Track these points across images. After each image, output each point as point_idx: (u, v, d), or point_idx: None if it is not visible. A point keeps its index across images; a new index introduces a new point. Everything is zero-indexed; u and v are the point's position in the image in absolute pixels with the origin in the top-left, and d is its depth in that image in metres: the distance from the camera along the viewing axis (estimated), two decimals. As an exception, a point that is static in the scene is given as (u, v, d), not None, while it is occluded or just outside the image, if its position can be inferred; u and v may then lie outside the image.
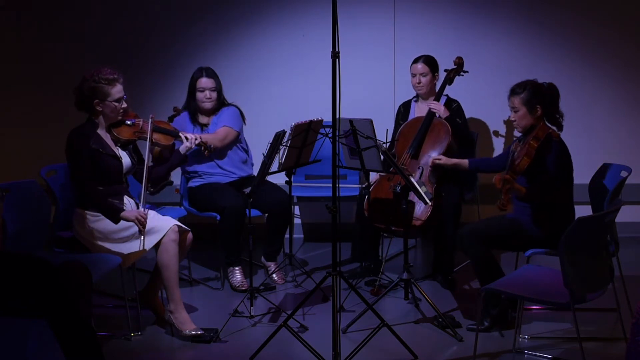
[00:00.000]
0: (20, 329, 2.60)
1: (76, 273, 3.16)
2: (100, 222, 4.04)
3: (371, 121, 4.16)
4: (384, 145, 4.23)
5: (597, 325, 4.12)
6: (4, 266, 2.71)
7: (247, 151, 5.07)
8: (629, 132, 5.91)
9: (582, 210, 3.90)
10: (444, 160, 4.52)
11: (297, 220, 6.03)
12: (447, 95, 5.00)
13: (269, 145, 4.25)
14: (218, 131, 4.86)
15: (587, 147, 5.57)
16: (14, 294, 2.67)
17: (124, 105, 4.15)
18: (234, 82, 5.48)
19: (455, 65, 5.00)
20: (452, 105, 4.94)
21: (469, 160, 4.52)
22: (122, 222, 4.01)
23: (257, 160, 4.60)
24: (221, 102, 4.97)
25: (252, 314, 4.30)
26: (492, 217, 4.25)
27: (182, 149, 4.49)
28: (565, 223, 3.39)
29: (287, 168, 4.58)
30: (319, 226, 6.01)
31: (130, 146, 4.28)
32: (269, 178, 4.70)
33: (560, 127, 4.08)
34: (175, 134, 4.46)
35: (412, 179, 4.14)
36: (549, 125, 4.07)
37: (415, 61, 5.00)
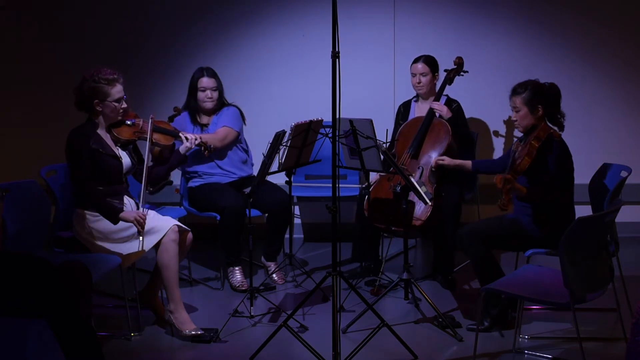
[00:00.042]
0: (20, 329, 2.60)
1: (76, 273, 3.16)
2: (100, 222, 4.04)
3: (371, 121, 4.16)
4: (384, 145, 4.23)
5: (597, 325, 4.12)
6: (4, 266, 2.71)
7: (247, 151, 5.07)
8: (629, 132, 5.91)
9: (582, 210, 3.90)
10: (447, 160, 4.51)
11: (297, 220, 6.03)
12: (447, 95, 5.00)
13: (269, 145, 4.25)
14: (218, 131, 4.86)
15: (587, 147, 5.57)
16: (14, 294, 2.67)
17: (124, 105, 4.15)
18: (234, 82, 5.48)
19: (455, 65, 5.00)
20: (452, 106, 4.94)
21: (472, 161, 4.51)
22: (122, 222, 4.01)
23: (257, 160, 4.60)
24: (222, 102, 4.97)
25: (252, 314, 4.30)
26: (492, 217, 4.25)
27: (182, 149, 4.49)
28: (566, 223, 3.39)
29: (287, 168, 4.58)
30: (319, 226, 6.01)
31: (130, 146, 4.28)
32: (269, 178, 4.70)
33: (561, 128, 4.08)
34: (175, 134, 4.46)
35: (412, 179, 4.14)
36: (550, 125, 4.07)
37: (416, 61, 5.01)
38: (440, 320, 4.12)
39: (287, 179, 4.73)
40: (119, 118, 4.18)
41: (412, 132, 4.78)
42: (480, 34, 5.84)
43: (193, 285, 4.90)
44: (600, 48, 5.84)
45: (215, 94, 4.90)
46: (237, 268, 4.80)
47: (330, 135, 3.78)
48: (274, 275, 4.89)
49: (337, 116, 3.57)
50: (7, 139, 5.96)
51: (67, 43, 5.91)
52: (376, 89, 5.87)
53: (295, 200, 5.87)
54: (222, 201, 4.69)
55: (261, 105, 5.83)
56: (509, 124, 5.79)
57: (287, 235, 5.07)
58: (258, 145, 4.84)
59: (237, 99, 5.09)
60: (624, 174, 4.08)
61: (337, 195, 3.64)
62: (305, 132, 4.48)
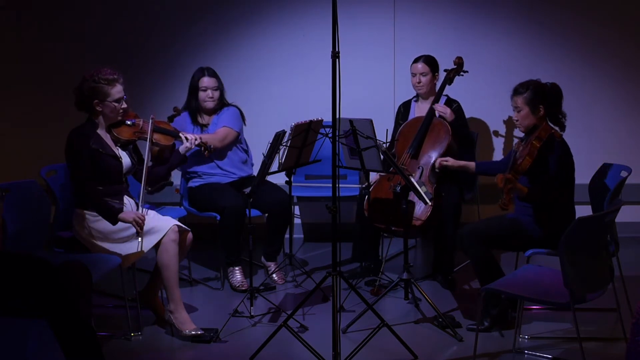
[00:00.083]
0: (20, 329, 2.60)
1: (76, 273, 3.16)
2: (100, 222, 4.04)
3: (371, 121, 4.16)
4: (384, 145, 4.23)
5: (597, 325, 4.12)
6: (4, 266, 2.71)
7: (247, 151, 5.07)
8: (629, 132, 5.91)
9: (582, 210, 3.90)
10: (451, 161, 4.49)
11: (297, 220, 6.03)
12: (447, 95, 5.00)
13: (269, 145, 4.25)
14: (218, 131, 4.86)
15: (587, 147, 5.57)
16: (14, 294, 2.67)
17: (124, 105, 4.15)
18: (234, 82, 5.48)
19: (455, 65, 4.99)
20: (452, 106, 4.94)
21: (475, 163, 4.50)
22: (121, 222, 4.01)
23: (257, 160, 4.60)
24: (222, 102, 4.97)
25: (252, 314, 4.30)
26: (492, 217, 4.25)
27: (182, 149, 4.49)
28: (566, 223, 3.39)
29: (287, 168, 4.58)
30: (319, 226, 6.01)
31: (130, 146, 4.28)
32: (269, 178, 4.70)
33: (562, 128, 4.08)
34: (175, 134, 4.46)
35: (412, 179, 4.14)
36: (552, 125, 4.07)
37: (416, 61, 5.01)
38: (440, 320, 4.12)
39: (287, 179, 4.73)
40: (119, 118, 4.18)
41: (412, 132, 4.78)
42: (480, 34, 5.84)
43: (193, 285, 4.90)
44: (600, 48, 5.84)
45: (217, 94, 4.90)
46: (237, 268, 4.80)
47: (330, 135, 3.78)
48: (274, 275, 4.89)
49: (337, 116, 3.57)
50: (7, 139, 5.96)
51: (67, 43, 5.91)
52: (376, 89, 5.87)
53: (295, 200, 5.87)
54: (222, 201, 4.69)
55: (261, 105, 5.83)
56: (509, 124, 5.79)
57: (287, 235, 5.07)
58: (258, 145, 4.84)
59: (237, 99, 5.09)
60: (624, 174, 4.08)
61: (337, 195, 3.64)
62: (305, 132, 4.48)
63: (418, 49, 5.23)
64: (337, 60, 3.50)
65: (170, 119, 4.72)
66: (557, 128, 4.06)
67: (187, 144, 4.48)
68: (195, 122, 4.92)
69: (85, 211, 4.04)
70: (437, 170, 4.54)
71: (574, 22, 5.82)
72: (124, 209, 4.08)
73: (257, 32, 5.90)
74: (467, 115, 5.04)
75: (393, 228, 4.55)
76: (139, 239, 3.98)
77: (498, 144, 5.89)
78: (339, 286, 3.64)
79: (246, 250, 4.40)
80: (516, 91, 4.07)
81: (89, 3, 5.92)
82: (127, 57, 5.85)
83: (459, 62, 5.00)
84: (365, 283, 4.82)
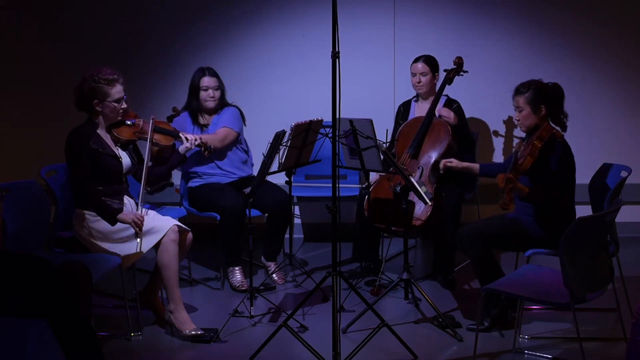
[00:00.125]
0: (20, 329, 2.60)
1: (76, 273, 3.16)
2: (100, 222, 4.04)
3: (371, 121, 4.16)
4: (384, 145, 4.23)
5: (597, 325, 4.12)
6: (4, 266, 2.71)
7: (247, 152, 5.07)
8: (629, 132, 5.91)
9: (582, 210, 3.90)
10: (455, 163, 4.45)
11: (297, 220, 6.03)
12: (447, 95, 5.00)
13: (269, 145, 4.25)
14: (218, 132, 4.86)
15: (587, 147, 5.57)
16: (14, 294, 2.67)
17: (124, 105, 4.15)
18: (234, 82, 5.47)
19: (455, 65, 4.99)
20: (452, 106, 4.94)
21: (479, 165, 4.48)
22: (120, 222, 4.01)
23: (257, 161, 4.60)
24: (223, 102, 4.97)
25: (252, 314, 4.30)
26: (492, 217, 4.25)
27: (182, 149, 4.49)
28: (566, 223, 3.39)
29: (287, 168, 4.58)
30: (319, 226, 6.01)
31: (130, 146, 4.27)
32: (269, 178, 4.70)
33: (564, 128, 4.07)
34: (175, 135, 4.46)
35: (412, 179, 4.14)
36: (553, 125, 4.06)
37: (416, 60, 5.01)
38: (440, 320, 4.12)
39: (287, 179, 4.73)
40: (119, 118, 4.18)
41: (412, 132, 4.78)
42: (480, 34, 5.84)
43: (193, 285, 4.90)
44: (600, 48, 5.84)
45: (218, 93, 4.90)
46: (237, 268, 4.80)
47: (330, 135, 3.78)
48: (274, 275, 4.89)
49: (337, 116, 3.57)
50: (7, 139, 5.96)
51: (67, 43, 5.91)
52: (376, 89, 5.87)
53: (295, 200, 5.87)
54: (222, 201, 4.69)
55: (261, 105, 5.83)
56: (509, 124, 5.79)
57: (287, 235, 5.07)
58: (258, 145, 4.84)
59: (237, 99, 5.09)
60: (624, 174, 4.08)
61: (337, 195, 3.64)
62: (305, 132, 4.48)
63: (418, 49, 5.23)
64: (337, 60, 3.50)
65: (170, 119, 4.71)
66: (558, 128, 4.06)
67: (187, 144, 4.48)
68: (195, 122, 4.92)
69: (85, 211, 4.04)
70: (441, 172, 4.51)
71: (574, 22, 5.82)
72: (124, 209, 4.08)
73: (257, 32, 5.90)
74: (467, 115, 5.04)
75: (393, 228, 4.55)
76: (138, 239, 3.98)
77: (498, 144, 5.89)
78: (339, 286, 3.64)
79: (246, 250, 4.40)
80: (518, 91, 4.07)
81: (89, 3, 5.92)
82: (127, 57, 5.85)
83: (459, 62, 5.00)
84: (365, 283, 4.82)
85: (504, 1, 5.82)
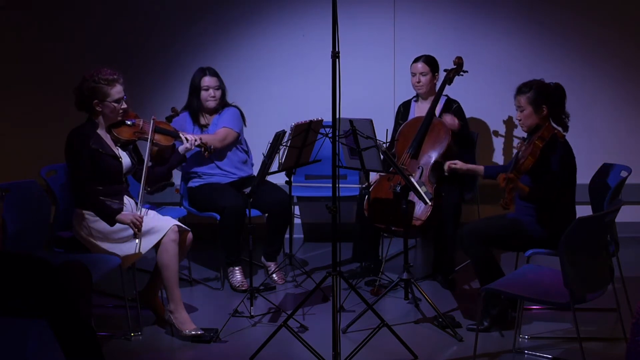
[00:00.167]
0: (20, 329, 2.60)
1: (76, 273, 3.16)
2: (100, 222, 4.03)
3: (371, 121, 4.16)
4: (384, 145, 4.23)
5: (597, 325, 4.12)
6: (4, 266, 2.71)
7: (247, 152, 5.07)
8: (629, 132, 5.91)
9: (582, 210, 3.90)
10: (460, 165, 4.43)
11: (297, 220, 6.03)
12: (447, 95, 5.00)
13: (269, 145, 4.25)
14: (218, 132, 4.86)
15: (587, 147, 5.56)
16: (14, 294, 2.67)
17: (124, 105, 4.14)
18: (234, 82, 5.47)
19: (455, 65, 4.99)
20: (452, 106, 4.94)
21: (484, 167, 4.46)
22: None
23: (257, 161, 4.60)
24: (224, 102, 4.97)
25: (252, 314, 4.30)
26: (492, 217, 4.25)
27: (181, 149, 4.49)
28: (566, 224, 3.39)
29: (287, 168, 4.58)
30: (319, 226, 6.01)
31: (130, 146, 4.27)
32: (269, 178, 4.70)
33: (565, 128, 4.07)
34: (175, 135, 4.46)
35: (412, 179, 4.14)
36: (555, 125, 4.06)
37: (416, 60, 5.01)
38: (440, 320, 4.12)
39: (287, 179, 4.73)
40: (119, 118, 4.18)
41: (412, 132, 4.78)
42: (480, 34, 5.84)
43: (193, 285, 4.90)
44: (600, 48, 5.84)
45: (218, 93, 4.91)
46: (237, 268, 4.80)
47: (330, 135, 3.78)
48: (274, 275, 4.89)
49: (337, 116, 3.57)
50: (7, 139, 5.96)
51: (67, 43, 5.91)
52: (376, 89, 5.87)
53: (295, 200, 5.87)
54: (222, 201, 4.69)
55: (261, 105, 5.83)
56: (509, 124, 5.79)
57: (287, 235, 5.07)
58: (258, 145, 4.84)
59: (237, 99, 5.09)
60: (624, 174, 4.08)
61: (337, 195, 3.64)
62: (305, 132, 4.48)
63: (418, 49, 5.23)
64: (337, 60, 3.50)
65: (169, 119, 4.71)
66: (560, 128, 4.05)
67: (186, 145, 4.48)
68: (196, 122, 4.92)
69: (85, 211, 4.04)
70: (446, 174, 4.49)
71: (574, 22, 5.82)
72: (124, 209, 4.08)
73: (257, 32, 5.90)
74: (467, 115, 5.03)
75: (393, 228, 4.55)
76: (137, 240, 3.98)
77: (498, 144, 5.89)
78: (339, 286, 3.64)
79: (246, 250, 4.40)
80: (519, 90, 4.07)
81: (89, 3, 5.92)
82: (127, 57, 5.85)
83: (459, 62, 5.00)
84: (365, 283, 4.82)
85: (504, 1, 5.82)
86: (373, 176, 4.84)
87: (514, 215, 4.10)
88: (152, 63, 5.93)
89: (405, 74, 5.19)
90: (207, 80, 4.88)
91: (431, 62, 4.99)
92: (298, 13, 5.89)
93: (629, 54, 5.84)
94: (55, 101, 5.81)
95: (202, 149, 4.56)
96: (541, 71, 4.85)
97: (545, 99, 4.01)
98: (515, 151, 4.15)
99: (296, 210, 6.04)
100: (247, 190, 4.55)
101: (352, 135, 4.17)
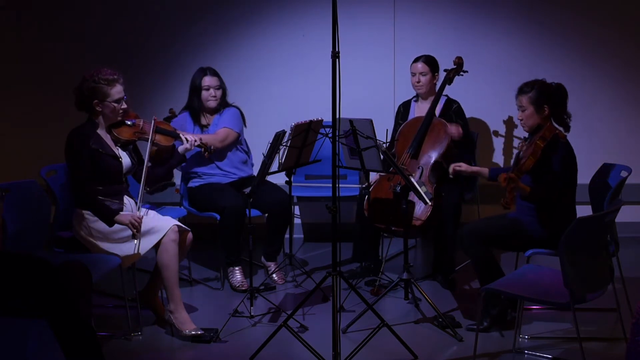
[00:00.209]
0: (20, 329, 2.60)
1: (76, 273, 3.16)
2: (100, 222, 4.03)
3: (371, 121, 4.16)
4: (384, 145, 4.23)
5: (597, 325, 4.12)
6: (4, 266, 2.71)
7: (247, 152, 5.07)
8: (629, 132, 5.91)
9: (582, 210, 3.91)
10: (465, 167, 4.40)
11: (297, 220, 6.03)
12: (447, 95, 5.00)
13: (269, 145, 4.25)
14: (218, 132, 4.86)
15: (587, 147, 5.55)
16: (14, 294, 2.67)
17: (124, 105, 4.14)
18: (234, 82, 5.46)
19: (455, 65, 4.99)
20: (452, 106, 4.94)
21: (489, 169, 4.45)
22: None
23: (257, 161, 4.60)
24: (224, 102, 4.97)
25: (252, 314, 4.30)
26: (492, 217, 4.25)
27: (181, 149, 4.49)
28: (567, 224, 3.39)
29: (287, 168, 4.58)
30: (319, 226, 6.01)
31: (130, 146, 4.27)
32: (269, 178, 4.70)
33: (567, 128, 4.07)
34: (175, 135, 4.46)
35: (412, 179, 4.14)
36: (556, 125, 4.06)
37: (416, 60, 5.01)
38: (440, 320, 4.12)
39: (287, 179, 4.73)
40: (119, 118, 4.18)
41: (412, 132, 4.78)
42: (480, 34, 5.84)
43: (193, 285, 4.90)
44: (600, 48, 5.84)
45: (219, 93, 4.91)
46: (237, 268, 4.80)
47: (330, 135, 3.78)
48: (274, 275, 4.89)
49: (337, 116, 3.57)
50: (7, 139, 5.96)
51: (67, 43, 5.91)
52: (376, 89, 5.87)
53: (295, 200, 5.87)
54: (222, 201, 4.69)
55: (261, 105, 5.83)
56: (509, 124, 5.79)
57: (287, 235, 5.07)
58: (258, 145, 4.84)
59: (237, 99, 5.09)
60: (624, 174, 4.08)
61: (337, 195, 3.64)
62: (305, 132, 4.48)
63: (418, 49, 5.23)
64: (337, 60, 3.50)
65: (167, 120, 4.70)
66: (561, 128, 4.05)
67: (186, 145, 4.48)
68: (196, 122, 4.92)
69: (85, 211, 4.04)
70: (451, 176, 4.47)
71: (574, 22, 5.82)
72: (124, 209, 4.08)
73: (257, 32, 5.90)
74: (467, 115, 5.03)
75: (393, 228, 4.55)
76: (135, 241, 3.98)
77: (498, 144, 5.89)
78: (339, 286, 3.64)
79: (246, 250, 4.40)
80: (521, 90, 4.07)
81: (89, 3, 5.92)
82: (127, 57, 5.85)
83: (459, 62, 5.00)
84: (365, 283, 4.82)
85: (504, 1, 5.82)
86: (373, 176, 4.84)
87: (514, 215, 4.10)
88: (152, 63, 5.93)
89: (405, 74, 5.19)
90: (208, 80, 4.88)
91: (431, 62, 4.99)
92: (298, 13, 5.89)
93: (629, 54, 5.84)
94: (55, 101, 5.81)
95: (202, 149, 4.56)
96: (541, 71, 4.84)
97: (546, 99, 4.01)
98: (515, 151, 4.14)
99: (296, 210, 6.04)
100: (247, 190, 4.55)
101: (352, 135, 4.17)
